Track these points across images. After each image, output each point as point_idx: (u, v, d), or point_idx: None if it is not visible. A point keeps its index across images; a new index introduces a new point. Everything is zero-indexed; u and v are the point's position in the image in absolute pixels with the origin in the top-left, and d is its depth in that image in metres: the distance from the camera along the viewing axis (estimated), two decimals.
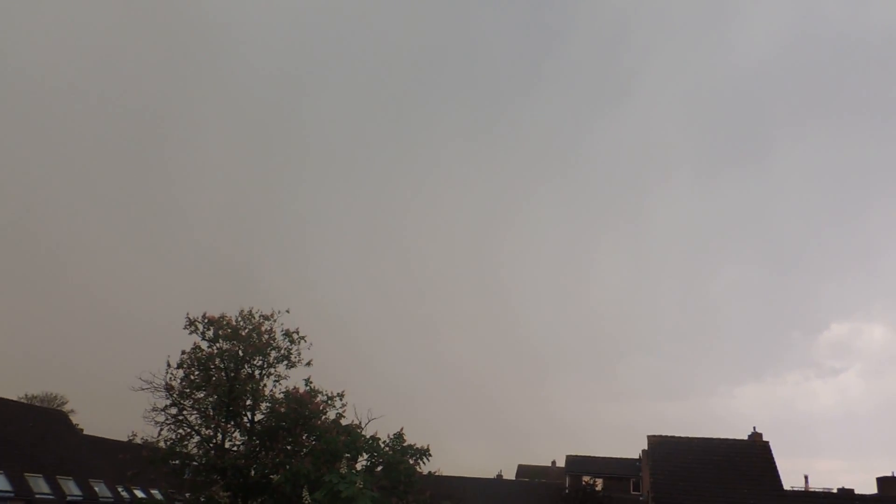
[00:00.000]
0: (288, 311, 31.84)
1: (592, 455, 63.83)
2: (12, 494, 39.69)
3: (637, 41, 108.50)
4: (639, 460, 55.71)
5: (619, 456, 63.29)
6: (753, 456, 37.74)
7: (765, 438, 38.95)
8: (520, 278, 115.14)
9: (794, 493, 37.01)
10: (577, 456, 63.81)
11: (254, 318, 31.37)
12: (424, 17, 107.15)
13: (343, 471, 21.82)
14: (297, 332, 31.70)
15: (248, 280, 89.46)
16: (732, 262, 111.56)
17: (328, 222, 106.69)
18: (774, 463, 37.22)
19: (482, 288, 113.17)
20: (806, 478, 43.63)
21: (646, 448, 40.99)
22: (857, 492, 38.94)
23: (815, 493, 38.87)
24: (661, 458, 38.04)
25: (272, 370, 31.46)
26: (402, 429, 29.56)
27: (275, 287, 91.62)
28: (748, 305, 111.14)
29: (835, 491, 40.45)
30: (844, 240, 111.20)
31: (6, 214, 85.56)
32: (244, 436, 30.50)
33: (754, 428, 39.58)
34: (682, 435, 39.56)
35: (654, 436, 39.73)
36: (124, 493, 47.58)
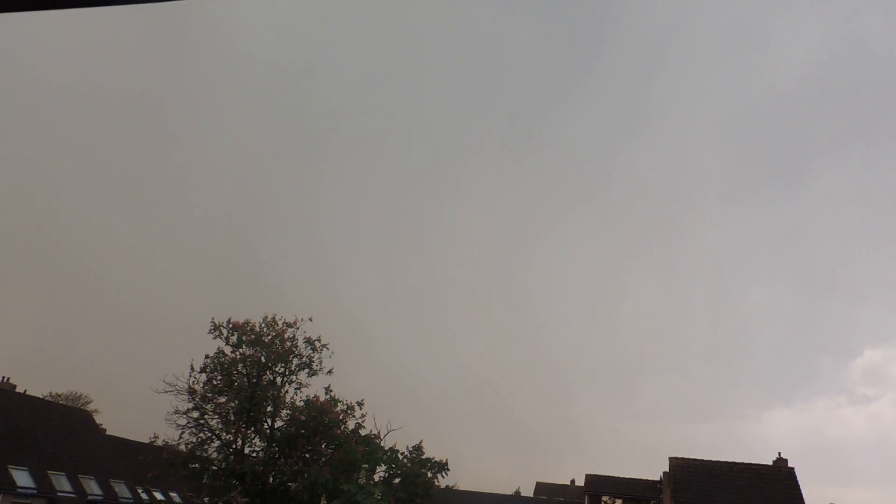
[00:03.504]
0: (311, 320, 32.07)
1: (612, 475, 62.99)
2: (35, 491, 40.21)
3: (673, 62, 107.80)
4: (660, 482, 54.82)
5: (639, 477, 62.40)
6: (778, 482, 36.92)
7: (793, 465, 38.06)
8: (547, 293, 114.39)
9: None
10: (596, 475, 62.97)
11: (277, 324, 31.59)
12: (460, 24, 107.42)
13: (361, 481, 21.76)
14: (319, 340, 31.88)
15: (269, 284, 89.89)
16: (764, 285, 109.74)
17: (352, 227, 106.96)
18: (800, 490, 36.36)
19: (508, 301, 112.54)
20: None
21: (667, 470, 40.30)
22: None
23: None
24: (682, 480, 37.38)
25: (293, 377, 31.63)
26: (421, 441, 29.47)
27: (297, 291, 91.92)
28: (779, 329, 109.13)
29: None
30: (881, 265, 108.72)
31: (30, 216, 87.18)
32: (264, 442, 30.62)
33: (779, 453, 38.76)
34: (707, 458, 38.82)
35: (676, 458, 39.05)
36: (144, 495, 47.94)
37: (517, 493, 68.93)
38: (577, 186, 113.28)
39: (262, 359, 30.81)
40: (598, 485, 61.34)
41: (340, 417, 29.98)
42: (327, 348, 31.84)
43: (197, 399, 30.21)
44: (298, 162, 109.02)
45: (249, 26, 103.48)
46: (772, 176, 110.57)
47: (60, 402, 63.12)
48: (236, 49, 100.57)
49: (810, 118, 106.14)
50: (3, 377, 46.45)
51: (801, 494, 36.18)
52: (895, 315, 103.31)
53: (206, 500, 30.71)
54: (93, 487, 44.79)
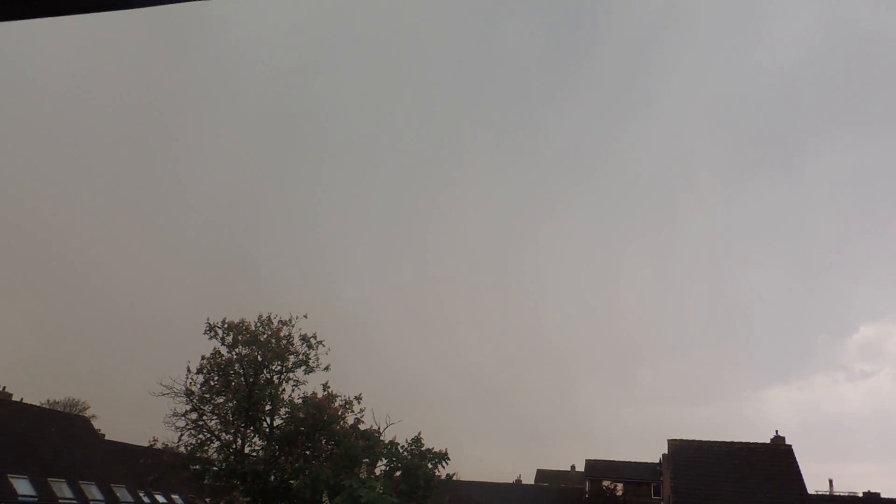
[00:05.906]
0: (306, 317, 32.03)
1: (613, 459, 63.39)
2: (36, 499, 40.15)
3: (666, 46, 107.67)
4: (659, 464, 55.22)
5: (640, 460, 62.82)
6: (776, 460, 37.28)
7: (792, 442, 38.48)
8: (544, 281, 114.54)
9: (818, 497, 36.55)
10: (597, 460, 63.35)
11: (272, 323, 31.55)
12: (452, 16, 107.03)
13: (362, 476, 21.83)
14: (315, 337, 31.87)
15: (265, 282, 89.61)
16: (759, 266, 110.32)
17: (346, 222, 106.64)
18: (797, 466, 36.72)
19: (505, 291, 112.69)
20: (830, 482, 43.03)
21: (666, 452, 40.61)
22: (883, 496, 38.32)
23: (839, 496, 38.34)
24: (681, 462, 37.69)
25: (291, 375, 31.62)
26: (420, 433, 29.52)
27: (293, 289, 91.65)
28: (775, 308, 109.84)
29: (860, 495, 39.84)
30: (875, 242, 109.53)
31: (25, 221, 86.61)
32: (263, 441, 30.64)
33: (777, 431, 39.12)
34: (706, 439, 39.15)
35: (674, 440, 39.36)
36: (145, 499, 47.94)
37: (518, 480, 69.29)
38: (571, 174, 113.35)
39: (259, 358, 30.78)
40: (598, 470, 61.74)
41: (339, 413, 30.03)
42: (323, 345, 31.87)
43: (195, 400, 30.16)
44: (292, 158, 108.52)
45: (242, 25, 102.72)
46: (766, 158, 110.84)
47: (58, 409, 62.94)
48: (229, 48, 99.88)
49: (803, 100, 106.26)
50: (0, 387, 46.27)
51: (799, 471, 36.54)
52: (890, 291, 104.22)
53: (207, 501, 30.72)
54: (94, 493, 44.74)
